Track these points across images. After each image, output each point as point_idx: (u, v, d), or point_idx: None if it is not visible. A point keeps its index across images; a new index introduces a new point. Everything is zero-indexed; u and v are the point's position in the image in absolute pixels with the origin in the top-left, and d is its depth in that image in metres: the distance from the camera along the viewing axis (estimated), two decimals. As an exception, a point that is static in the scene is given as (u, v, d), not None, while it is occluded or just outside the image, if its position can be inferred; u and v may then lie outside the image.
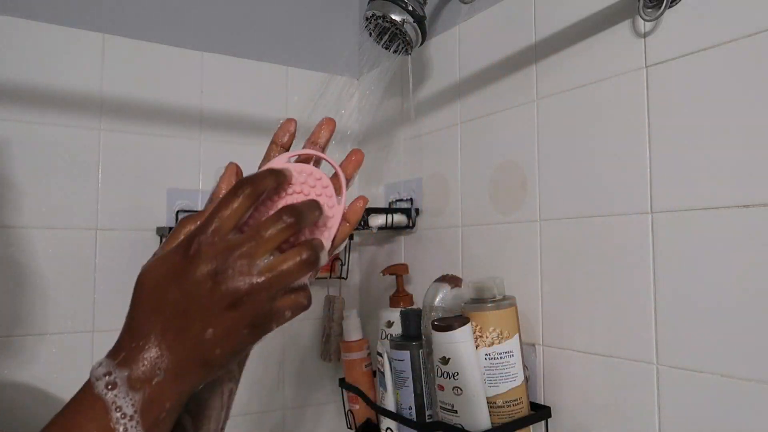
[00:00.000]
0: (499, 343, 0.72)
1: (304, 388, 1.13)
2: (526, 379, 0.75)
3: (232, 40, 1.08)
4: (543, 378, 0.76)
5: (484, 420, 0.71)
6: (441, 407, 0.74)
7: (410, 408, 0.82)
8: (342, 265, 1.12)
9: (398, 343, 0.84)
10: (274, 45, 1.13)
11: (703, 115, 0.60)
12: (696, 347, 0.60)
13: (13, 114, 0.88)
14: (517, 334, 0.73)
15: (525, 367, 0.75)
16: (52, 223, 0.90)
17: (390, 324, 0.92)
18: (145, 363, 0.34)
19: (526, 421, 0.72)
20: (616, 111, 0.69)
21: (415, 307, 0.93)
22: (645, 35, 0.66)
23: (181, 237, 0.37)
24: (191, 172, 1.03)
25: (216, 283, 0.34)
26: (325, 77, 1.15)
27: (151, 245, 0.97)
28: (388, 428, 0.88)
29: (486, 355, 0.72)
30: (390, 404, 0.86)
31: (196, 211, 0.40)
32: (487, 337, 0.72)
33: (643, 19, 0.64)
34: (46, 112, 0.90)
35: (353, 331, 1.01)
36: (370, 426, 0.96)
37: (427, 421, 0.82)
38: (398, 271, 0.96)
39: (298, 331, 1.13)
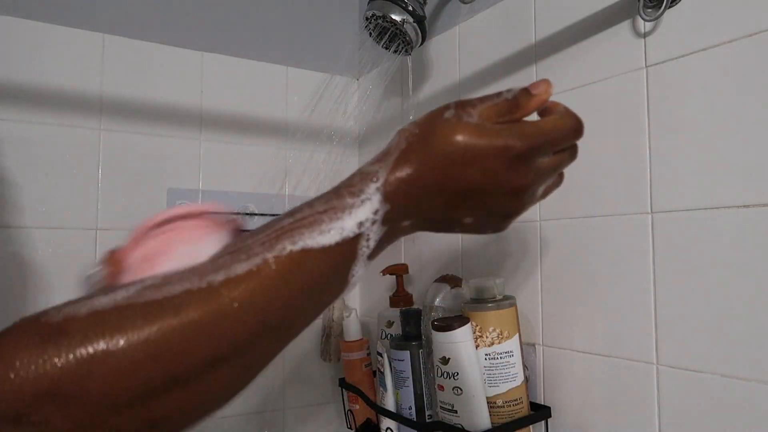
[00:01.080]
0: (499, 343, 0.72)
1: (304, 388, 1.13)
2: (526, 379, 0.75)
3: (232, 40, 1.08)
4: (543, 378, 0.76)
5: (484, 420, 0.71)
6: (441, 407, 0.74)
7: (410, 408, 0.82)
8: (342, 265, 1.12)
9: (398, 343, 0.84)
10: (274, 45, 1.13)
11: (702, 115, 0.60)
12: (696, 347, 0.60)
13: (13, 114, 0.88)
14: (517, 334, 0.73)
15: (525, 367, 0.75)
16: (52, 223, 0.90)
17: (390, 324, 0.92)
18: (406, 213, 0.37)
19: (526, 421, 0.72)
20: (616, 111, 0.69)
21: (415, 307, 0.93)
22: (645, 35, 0.66)
23: (516, 141, 0.38)
24: (191, 172, 1.03)
25: (517, 200, 0.39)
26: (325, 77, 1.15)
27: (151, 245, 0.97)
28: (388, 428, 0.87)
29: (486, 355, 0.72)
30: (390, 404, 0.86)
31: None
32: (487, 337, 0.72)
33: (643, 19, 0.64)
34: (46, 111, 0.90)
35: (353, 331, 1.01)
36: (370, 426, 0.96)
37: (427, 421, 0.82)
38: (398, 271, 0.96)
39: (298, 331, 1.13)
